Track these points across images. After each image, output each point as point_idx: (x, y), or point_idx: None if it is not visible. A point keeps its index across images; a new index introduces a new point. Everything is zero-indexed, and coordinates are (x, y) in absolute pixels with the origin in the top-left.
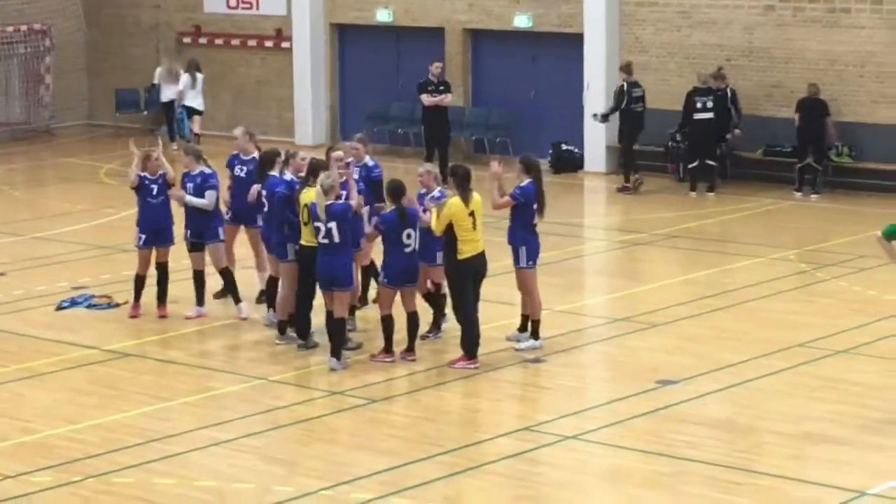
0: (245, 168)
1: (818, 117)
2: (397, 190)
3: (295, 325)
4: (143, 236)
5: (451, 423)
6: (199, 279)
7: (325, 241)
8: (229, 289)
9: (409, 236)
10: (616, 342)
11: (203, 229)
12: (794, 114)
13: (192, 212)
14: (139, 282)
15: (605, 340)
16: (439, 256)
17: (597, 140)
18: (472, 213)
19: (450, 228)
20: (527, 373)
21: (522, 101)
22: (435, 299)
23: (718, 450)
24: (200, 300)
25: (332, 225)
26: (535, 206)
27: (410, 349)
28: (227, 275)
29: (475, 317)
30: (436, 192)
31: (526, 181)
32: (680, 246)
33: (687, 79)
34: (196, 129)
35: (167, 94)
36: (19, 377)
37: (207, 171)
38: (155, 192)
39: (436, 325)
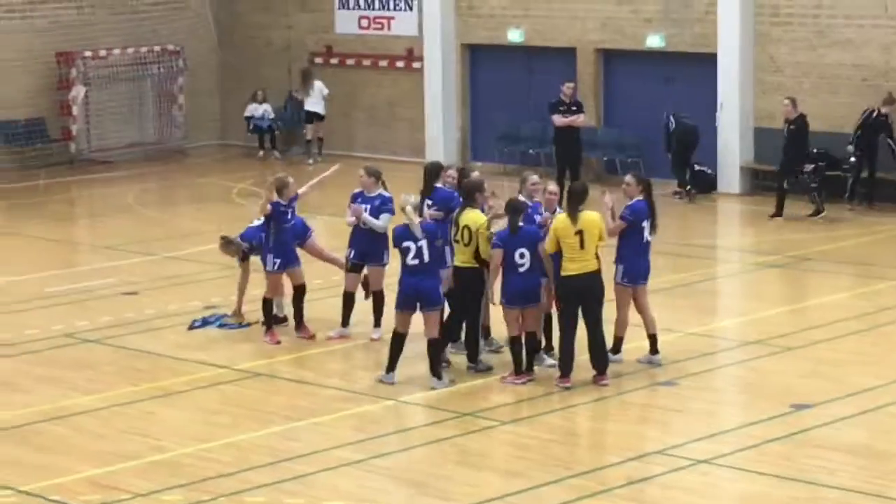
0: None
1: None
2: (515, 207)
3: (466, 348)
4: (278, 261)
5: (581, 446)
6: (349, 300)
7: (416, 261)
8: (377, 311)
9: (521, 255)
10: (749, 365)
11: (368, 251)
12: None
13: (360, 232)
14: (270, 307)
15: (738, 363)
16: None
17: (731, 161)
18: (579, 232)
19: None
20: (657, 395)
21: (655, 122)
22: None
23: (855, 476)
24: (346, 321)
25: (423, 244)
26: (643, 224)
27: (529, 369)
28: (379, 298)
29: (571, 336)
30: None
31: (635, 199)
32: (815, 269)
33: (820, 99)
34: (319, 134)
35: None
36: (151, 396)
37: (386, 194)
38: (290, 216)
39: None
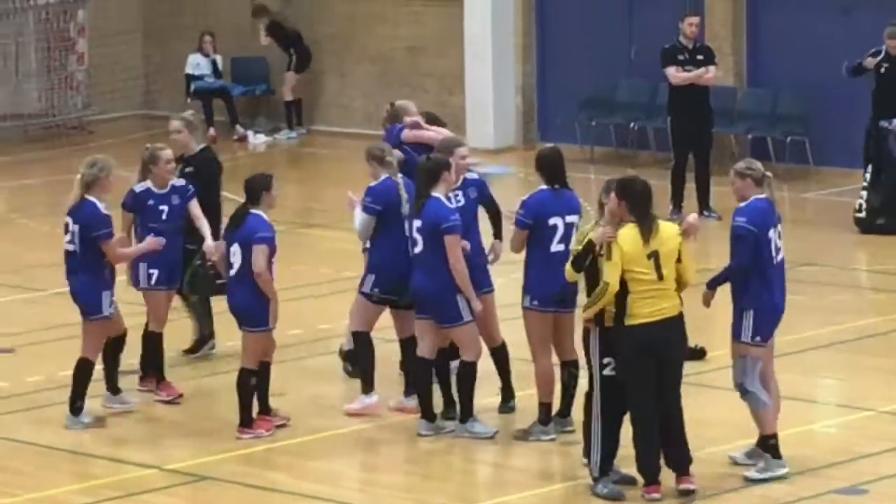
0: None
1: None
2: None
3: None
4: (155, 273)
5: None
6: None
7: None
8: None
9: None
10: None
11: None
12: None
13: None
14: (153, 345)
15: None
16: None
17: None
18: (653, 255)
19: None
20: None
21: (830, 78)
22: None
23: None
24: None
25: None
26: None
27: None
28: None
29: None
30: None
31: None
32: None
33: None
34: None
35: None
36: None
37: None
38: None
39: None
